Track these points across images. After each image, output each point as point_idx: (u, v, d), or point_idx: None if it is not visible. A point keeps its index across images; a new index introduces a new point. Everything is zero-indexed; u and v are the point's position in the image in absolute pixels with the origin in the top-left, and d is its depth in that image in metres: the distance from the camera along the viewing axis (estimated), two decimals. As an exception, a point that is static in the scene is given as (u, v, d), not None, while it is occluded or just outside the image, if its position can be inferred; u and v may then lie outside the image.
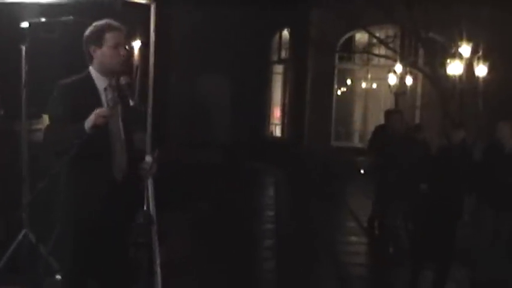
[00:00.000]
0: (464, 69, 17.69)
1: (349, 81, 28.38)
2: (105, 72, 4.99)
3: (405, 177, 10.84)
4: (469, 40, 17.80)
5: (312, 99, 26.74)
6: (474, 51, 17.59)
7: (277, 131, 30.87)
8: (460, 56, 17.78)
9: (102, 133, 4.79)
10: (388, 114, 11.99)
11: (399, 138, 11.24)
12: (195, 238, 11.92)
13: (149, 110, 6.15)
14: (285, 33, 29.61)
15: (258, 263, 11.30)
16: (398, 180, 10.85)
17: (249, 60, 26.95)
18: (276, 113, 30.94)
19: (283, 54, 30.10)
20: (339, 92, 27.92)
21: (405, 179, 10.89)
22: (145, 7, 6.75)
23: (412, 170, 10.79)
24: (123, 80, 4.94)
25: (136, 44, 13.01)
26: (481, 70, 17.46)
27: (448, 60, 18.32)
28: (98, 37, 4.97)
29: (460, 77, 17.83)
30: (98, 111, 4.72)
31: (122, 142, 4.96)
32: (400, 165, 10.79)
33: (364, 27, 24.47)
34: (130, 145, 4.97)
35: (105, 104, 4.89)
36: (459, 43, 17.92)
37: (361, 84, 28.36)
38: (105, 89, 4.97)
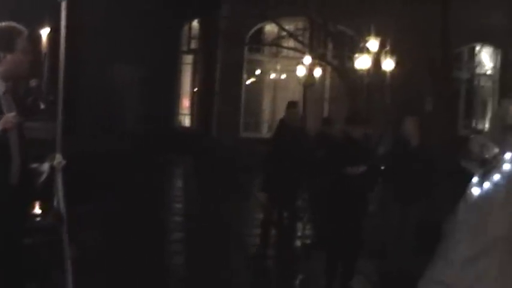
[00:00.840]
0: (372, 63, 17.98)
1: (258, 73, 28.51)
2: (10, 77, 4.87)
3: (298, 169, 10.96)
4: (377, 34, 18.09)
5: (221, 90, 26.77)
6: (382, 46, 17.91)
7: (186, 122, 30.80)
8: (368, 50, 18.06)
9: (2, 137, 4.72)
10: (287, 106, 12.01)
11: (294, 130, 11.28)
12: (104, 232, 11.80)
13: (60, 100, 6.05)
14: (195, 23, 29.54)
15: (167, 257, 11.28)
16: (289, 172, 10.89)
17: (159, 51, 26.79)
18: (185, 103, 30.88)
19: (193, 44, 30.03)
20: (248, 83, 28.02)
21: (299, 172, 11.01)
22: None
23: (304, 163, 10.95)
24: (33, 82, 4.87)
25: (45, 33, 12.79)
26: (388, 64, 17.79)
27: (356, 54, 18.60)
28: (7, 42, 4.83)
29: (368, 70, 18.12)
30: (7, 115, 4.65)
31: (18, 146, 4.89)
32: (291, 157, 10.84)
33: (273, 20, 24.62)
34: (23, 149, 4.91)
35: (4, 109, 4.79)
36: (367, 37, 18.20)
37: (270, 76, 28.52)
38: (4, 93, 4.86)
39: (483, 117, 26.45)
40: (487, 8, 23.91)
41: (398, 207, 10.08)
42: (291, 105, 11.82)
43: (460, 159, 8.54)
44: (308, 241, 12.37)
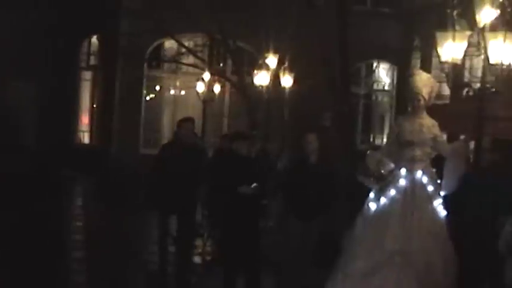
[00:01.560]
0: (270, 79, 18.14)
1: (158, 89, 28.38)
2: None
3: (190, 185, 10.96)
4: (275, 51, 18.27)
5: (121, 106, 26.53)
6: (280, 62, 18.08)
7: (86, 138, 30.38)
8: (267, 67, 18.22)
9: None
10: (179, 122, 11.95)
11: (188, 146, 11.27)
12: (1, 250, 11.54)
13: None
14: (94, 39, 29.23)
15: (67, 275, 11.10)
16: (179, 188, 10.87)
17: (57, 66, 26.39)
18: (84, 119, 30.46)
19: (92, 60, 29.70)
20: (147, 99, 27.86)
21: (191, 187, 11.00)
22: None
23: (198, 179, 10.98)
24: None
25: None
26: (287, 81, 17.97)
27: (256, 71, 18.73)
28: None
29: (267, 87, 18.27)
30: None
31: None
32: (180, 173, 10.84)
33: (172, 36, 24.59)
34: None
35: None
36: (266, 54, 18.36)
37: (170, 92, 28.42)
38: None
39: (381, 132, 26.98)
40: (383, 25, 24.50)
41: (298, 223, 10.18)
42: (185, 121, 11.81)
43: (357, 175, 8.70)
44: (208, 257, 12.38)
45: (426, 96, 8.47)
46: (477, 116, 8.29)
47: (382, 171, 8.43)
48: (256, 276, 10.13)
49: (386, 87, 27.79)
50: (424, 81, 8.50)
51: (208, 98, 24.74)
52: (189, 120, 11.99)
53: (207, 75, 24.11)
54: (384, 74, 27.61)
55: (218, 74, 24.75)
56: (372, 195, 8.56)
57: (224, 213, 10.06)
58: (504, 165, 9.81)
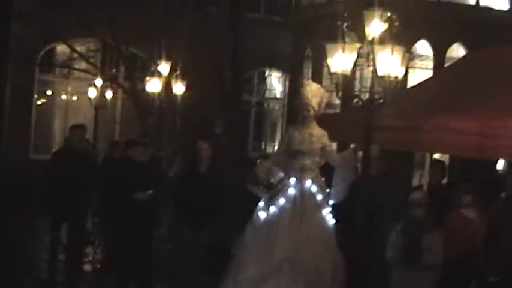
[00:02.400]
0: (163, 86, 18.06)
1: (49, 94, 27.88)
2: None
3: (80, 192, 10.85)
4: (167, 58, 18.21)
5: (11, 111, 25.93)
6: (173, 69, 18.03)
7: (-27, 143, 29.58)
8: (159, 74, 18.14)
9: None
10: (70, 128, 11.84)
11: (78, 152, 11.15)
12: None
13: None
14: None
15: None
16: (69, 195, 10.75)
17: None
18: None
19: (-20, 63, 28.94)
20: (38, 104, 27.33)
21: (80, 194, 10.89)
22: None
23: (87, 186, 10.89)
24: None
25: None
26: (179, 88, 17.92)
27: (148, 77, 18.61)
28: None
29: (159, 94, 18.17)
30: None
31: None
32: (70, 179, 10.71)
33: (64, 41, 24.21)
34: None
35: None
36: (158, 61, 18.28)
37: (61, 97, 27.96)
38: None
39: (272, 140, 27.23)
40: (276, 33, 24.75)
41: (188, 230, 10.19)
42: (76, 127, 11.68)
43: (247, 183, 8.76)
44: (98, 265, 12.24)
45: (316, 107, 8.62)
46: (365, 126, 8.47)
47: (272, 180, 8.51)
48: (148, 284, 10.09)
49: (278, 96, 28.07)
50: (313, 92, 8.65)
51: (100, 104, 24.43)
52: (80, 126, 11.86)
53: (99, 81, 23.81)
54: (276, 82, 27.88)
55: (110, 80, 24.49)
56: (261, 204, 8.64)
57: (117, 220, 9.98)
58: (391, 174, 10.08)
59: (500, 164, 15.85)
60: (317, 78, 19.00)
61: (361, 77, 17.41)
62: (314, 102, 8.61)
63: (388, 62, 8.16)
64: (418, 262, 8.12)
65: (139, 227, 9.70)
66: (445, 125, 9.06)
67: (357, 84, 18.12)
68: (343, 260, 8.44)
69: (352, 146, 9.26)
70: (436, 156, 12.18)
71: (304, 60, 23.75)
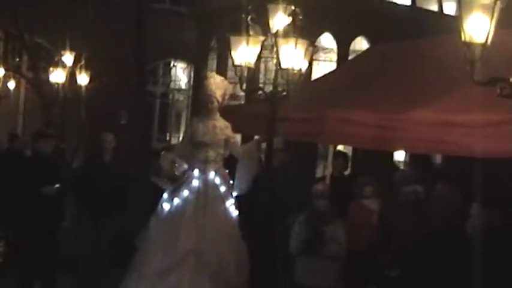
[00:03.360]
0: (67, 77, 17.83)
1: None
2: None
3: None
4: (72, 48, 17.97)
5: None
6: (77, 60, 17.81)
7: None
8: (63, 64, 17.89)
9: None
10: None
11: None
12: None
13: None
14: None
15: None
16: None
17: None
18: None
19: None
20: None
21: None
22: None
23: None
24: None
25: None
26: (83, 79, 17.72)
27: (52, 67, 18.34)
28: None
29: (63, 84, 17.94)
30: None
31: None
32: None
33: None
34: None
35: None
36: (63, 51, 18.02)
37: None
38: None
39: (177, 131, 27.15)
40: (181, 24, 24.65)
41: (91, 222, 10.10)
42: None
43: (151, 175, 8.75)
44: (0, 260, 12.00)
45: (219, 98, 8.68)
46: (269, 118, 8.55)
47: (176, 172, 8.53)
48: (53, 277, 9.96)
49: (183, 87, 28.00)
50: (217, 84, 8.70)
51: (3, 94, 23.97)
52: None
53: (1, 71, 23.35)
54: (181, 73, 27.81)
55: (13, 70, 24.05)
56: (165, 195, 8.64)
57: (21, 213, 9.79)
58: (294, 166, 10.20)
59: (401, 156, 16.26)
60: (222, 70, 19.04)
61: (265, 69, 17.56)
62: (218, 94, 8.66)
63: (292, 55, 8.25)
64: (321, 253, 8.24)
65: (44, 221, 9.55)
66: (347, 117, 9.21)
67: (261, 76, 18.27)
68: (247, 251, 8.51)
69: (256, 137, 9.34)
70: (339, 147, 12.37)
71: (209, 51, 23.74)
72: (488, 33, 5.54)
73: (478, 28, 5.57)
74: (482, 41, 5.55)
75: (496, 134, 6.97)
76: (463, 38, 5.62)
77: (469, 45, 5.59)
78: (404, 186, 8.42)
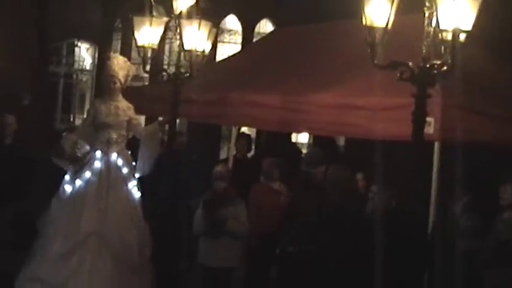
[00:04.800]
0: None
1: None
2: None
3: None
4: None
5: None
6: None
7: None
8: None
9: None
10: None
11: None
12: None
13: None
14: None
15: None
16: None
17: None
18: None
19: None
20: None
21: None
22: None
23: None
24: None
25: None
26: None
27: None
28: None
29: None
30: None
31: None
32: None
33: None
34: None
35: None
36: None
37: None
38: None
39: (81, 112, 26.75)
40: (85, 3, 24.25)
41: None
42: None
43: (52, 156, 8.62)
44: None
45: (122, 79, 8.60)
46: (172, 100, 8.55)
47: (78, 153, 8.43)
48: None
49: (87, 67, 27.59)
50: (120, 65, 8.61)
51: None
52: None
53: None
54: (85, 53, 27.39)
55: None
56: (67, 177, 8.54)
57: None
58: (197, 147, 10.24)
59: (304, 138, 16.46)
60: (126, 50, 18.85)
61: (170, 50, 17.47)
62: (121, 75, 8.57)
63: (195, 37, 8.27)
64: (224, 233, 8.29)
65: None
66: (250, 99, 9.29)
67: (166, 58, 18.18)
68: (149, 233, 8.50)
69: (159, 119, 9.32)
70: (243, 129, 12.45)
71: (113, 32, 23.46)
72: (389, 17, 5.66)
73: (379, 13, 5.68)
74: (383, 25, 5.67)
75: (395, 117, 7.14)
76: (364, 22, 5.73)
77: (370, 29, 5.71)
78: (313, 166, 8.52)
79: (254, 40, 19.35)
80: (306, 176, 8.60)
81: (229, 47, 20.46)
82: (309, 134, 13.78)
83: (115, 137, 8.51)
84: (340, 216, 7.10)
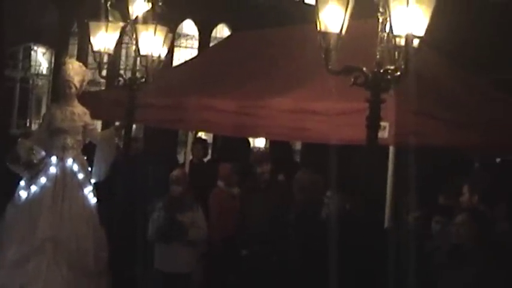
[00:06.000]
0: None
1: None
2: None
3: None
4: None
5: None
6: None
7: None
8: None
9: None
10: None
11: None
12: None
13: None
14: None
15: None
16: None
17: None
18: None
19: None
20: None
21: None
22: None
23: None
24: None
25: None
26: None
27: None
28: None
29: None
30: None
31: None
32: None
33: None
34: None
35: None
36: None
37: None
38: None
39: (37, 117, 26.55)
40: (42, 7, 24.09)
41: None
42: None
43: (7, 162, 8.57)
44: None
45: (77, 84, 8.58)
46: (128, 105, 8.54)
47: (33, 159, 8.39)
48: None
49: (44, 72, 27.39)
50: (75, 70, 8.60)
51: None
52: None
53: None
54: (41, 57, 27.20)
55: None
56: (22, 183, 8.48)
57: None
58: (154, 152, 10.21)
59: (261, 143, 16.50)
60: (83, 55, 18.77)
61: (127, 55, 17.42)
62: (76, 80, 8.56)
63: (151, 42, 8.27)
64: (180, 238, 8.27)
65: None
66: (206, 103, 9.29)
67: (123, 62, 18.13)
68: (105, 238, 8.47)
69: (116, 124, 9.29)
70: (200, 134, 12.43)
71: (70, 36, 23.34)
72: (343, 23, 5.71)
73: (333, 18, 5.73)
74: (337, 30, 5.72)
75: (350, 122, 7.20)
76: (318, 28, 5.78)
77: (324, 34, 5.75)
78: (258, 165, 8.57)
79: (211, 45, 19.38)
80: (253, 177, 8.67)
81: (186, 52, 20.47)
82: (266, 138, 13.81)
83: (71, 142, 8.48)
84: (301, 220, 7.14)
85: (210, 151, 12.57)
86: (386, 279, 6.27)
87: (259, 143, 16.82)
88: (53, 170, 8.39)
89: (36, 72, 27.37)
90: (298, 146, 15.14)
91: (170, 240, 8.27)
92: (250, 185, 8.91)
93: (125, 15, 8.72)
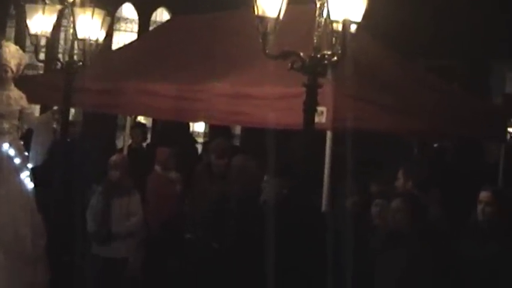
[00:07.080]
0: None
1: None
2: None
3: None
4: None
5: None
6: None
7: None
8: None
9: None
10: None
11: None
12: None
13: None
14: None
15: None
16: None
17: None
18: None
19: None
20: None
21: None
22: None
23: None
24: None
25: None
26: None
27: None
28: None
29: None
30: None
31: None
32: None
33: None
34: None
35: None
36: None
37: None
38: None
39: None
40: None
41: None
42: None
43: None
44: None
45: (14, 68, 8.42)
46: (65, 88, 8.47)
47: None
48: None
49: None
50: (12, 53, 8.44)
51: None
52: None
53: None
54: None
55: None
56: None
57: None
58: (92, 137, 10.15)
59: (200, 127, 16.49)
60: (21, 38, 18.43)
61: (65, 38, 17.18)
62: (12, 63, 8.39)
63: (89, 25, 8.20)
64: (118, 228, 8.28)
65: None
66: (146, 88, 9.26)
67: (61, 46, 17.88)
68: (43, 223, 8.39)
69: (54, 108, 9.19)
70: (139, 118, 12.38)
71: (7, 19, 22.93)
72: (281, 8, 5.73)
73: (270, 3, 5.74)
74: (275, 15, 5.74)
75: (288, 106, 7.24)
76: (256, 12, 5.79)
77: (261, 19, 5.76)
78: (217, 156, 8.54)
79: (150, 29, 19.23)
80: (209, 166, 8.62)
81: (126, 36, 20.25)
82: (205, 123, 13.81)
83: (7, 126, 8.33)
84: (240, 206, 7.16)
85: (149, 135, 12.52)
86: (324, 264, 6.33)
87: (198, 127, 16.81)
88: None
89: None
90: (238, 130, 15.17)
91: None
92: (201, 170, 8.88)
93: (61, -3, 8.62)
